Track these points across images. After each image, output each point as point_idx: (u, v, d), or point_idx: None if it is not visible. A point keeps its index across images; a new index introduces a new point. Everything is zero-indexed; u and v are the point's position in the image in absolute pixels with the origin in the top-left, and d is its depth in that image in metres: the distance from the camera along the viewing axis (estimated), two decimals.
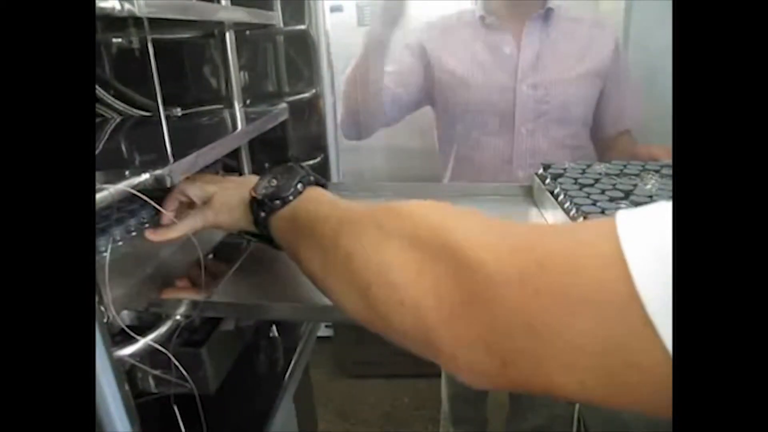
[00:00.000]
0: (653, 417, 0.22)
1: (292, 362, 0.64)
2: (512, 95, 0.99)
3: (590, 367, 0.22)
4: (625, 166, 0.72)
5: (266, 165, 0.84)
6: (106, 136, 0.62)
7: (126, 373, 0.48)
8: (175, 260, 0.58)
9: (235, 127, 0.66)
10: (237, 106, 0.73)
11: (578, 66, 0.99)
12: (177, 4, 0.49)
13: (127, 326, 0.45)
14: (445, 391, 1.31)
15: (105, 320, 0.45)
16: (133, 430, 0.35)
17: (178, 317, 0.49)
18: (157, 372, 0.50)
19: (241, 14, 0.64)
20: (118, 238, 0.50)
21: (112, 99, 0.74)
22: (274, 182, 0.45)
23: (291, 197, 0.43)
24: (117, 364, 0.34)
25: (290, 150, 0.86)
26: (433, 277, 0.28)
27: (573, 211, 0.58)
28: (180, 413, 0.49)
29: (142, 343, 0.45)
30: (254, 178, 0.48)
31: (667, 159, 0.76)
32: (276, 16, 0.74)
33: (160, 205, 0.50)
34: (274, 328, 0.69)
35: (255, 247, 0.62)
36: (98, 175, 0.40)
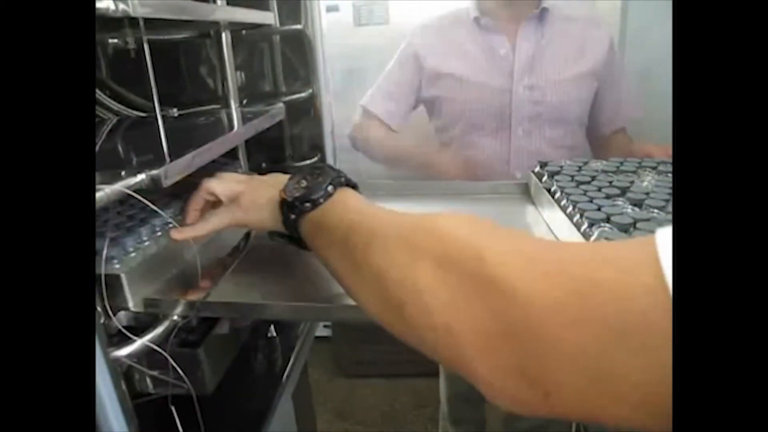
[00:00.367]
0: None
1: (290, 362, 0.64)
2: (508, 96, 0.99)
3: (635, 396, 0.22)
4: (621, 163, 0.72)
5: (263, 165, 0.84)
6: (103, 137, 0.62)
7: (123, 374, 0.48)
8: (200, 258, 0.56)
9: (231, 127, 0.66)
10: (233, 106, 0.73)
11: (574, 66, 0.99)
12: (172, 4, 0.49)
13: (124, 327, 0.45)
14: (444, 391, 1.31)
15: (102, 321, 0.45)
16: (130, 431, 0.35)
17: (175, 318, 0.49)
18: (154, 372, 0.50)
19: (237, 14, 0.64)
20: (144, 237, 0.51)
21: (109, 100, 0.74)
22: (304, 183, 0.44)
23: (321, 200, 0.42)
24: (114, 365, 0.34)
25: (287, 150, 0.86)
26: (466, 305, 0.27)
27: (570, 209, 0.58)
28: (177, 414, 0.49)
29: (139, 343, 0.45)
30: (282, 177, 0.47)
31: (664, 156, 0.76)
32: (272, 16, 0.74)
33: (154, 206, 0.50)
34: (272, 327, 0.69)
35: (252, 246, 0.62)
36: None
